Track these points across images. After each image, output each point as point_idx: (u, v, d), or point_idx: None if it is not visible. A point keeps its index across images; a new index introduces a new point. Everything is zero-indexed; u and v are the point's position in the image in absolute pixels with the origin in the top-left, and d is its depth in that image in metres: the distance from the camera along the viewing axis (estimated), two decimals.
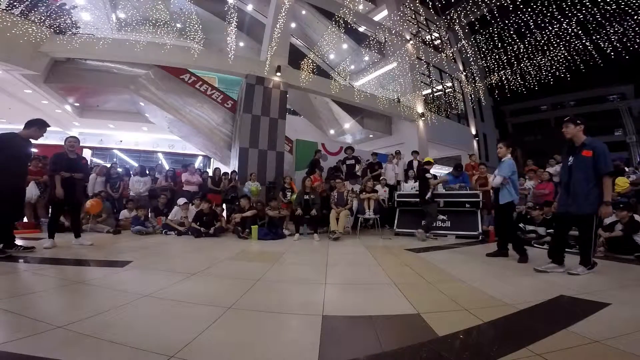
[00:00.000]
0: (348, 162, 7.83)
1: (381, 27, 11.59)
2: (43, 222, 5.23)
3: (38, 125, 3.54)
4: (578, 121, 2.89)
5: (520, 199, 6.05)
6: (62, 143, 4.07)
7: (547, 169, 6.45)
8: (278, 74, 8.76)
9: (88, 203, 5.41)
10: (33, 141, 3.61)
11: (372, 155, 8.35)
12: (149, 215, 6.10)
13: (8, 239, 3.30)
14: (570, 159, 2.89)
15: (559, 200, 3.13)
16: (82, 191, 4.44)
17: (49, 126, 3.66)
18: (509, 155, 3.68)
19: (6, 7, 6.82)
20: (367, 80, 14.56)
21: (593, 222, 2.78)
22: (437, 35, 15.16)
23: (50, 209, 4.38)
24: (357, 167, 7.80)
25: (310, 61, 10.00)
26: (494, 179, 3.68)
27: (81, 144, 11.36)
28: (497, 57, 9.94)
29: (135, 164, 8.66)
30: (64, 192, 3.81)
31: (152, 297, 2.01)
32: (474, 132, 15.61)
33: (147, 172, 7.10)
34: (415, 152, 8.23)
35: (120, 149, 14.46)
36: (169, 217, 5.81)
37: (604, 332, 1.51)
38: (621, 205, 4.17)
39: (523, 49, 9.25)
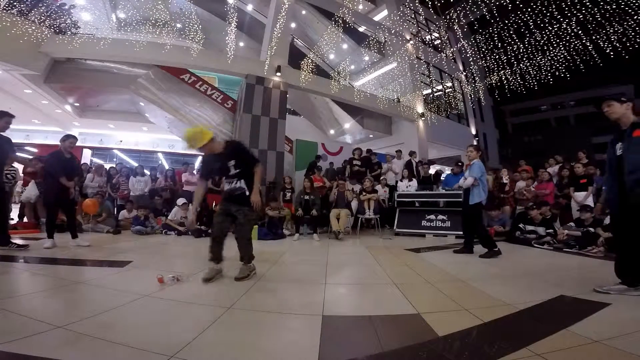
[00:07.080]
0: (355, 162, 7.85)
1: (381, 27, 11.58)
2: (43, 222, 5.22)
3: (7, 117, 3.49)
4: (623, 98, 2.27)
5: (521, 200, 6.07)
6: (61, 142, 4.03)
7: (547, 169, 6.45)
8: (278, 74, 8.75)
9: (85, 203, 5.40)
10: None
11: (372, 155, 8.37)
12: (149, 215, 6.09)
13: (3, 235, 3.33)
14: (618, 146, 2.22)
15: (609, 204, 2.64)
16: (78, 191, 4.43)
17: (14, 117, 3.61)
18: (478, 158, 3.93)
19: (6, 6, 6.82)
20: (367, 80, 14.54)
21: None
22: (437, 35, 15.15)
23: (46, 209, 4.37)
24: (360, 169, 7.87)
25: (310, 61, 9.99)
26: (465, 181, 3.89)
27: (82, 144, 11.33)
28: (497, 57, 9.94)
29: (135, 164, 8.67)
30: (59, 194, 3.82)
31: (152, 297, 2.01)
32: (474, 132, 15.61)
33: (144, 172, 7.06)
34: (398, 152, 8.37)
35: (120, 149, 14.46)
36: (169, 217, 5.81)
37: (604, 332, 1.51)
38: None
39: (523, 49, 9.24)
